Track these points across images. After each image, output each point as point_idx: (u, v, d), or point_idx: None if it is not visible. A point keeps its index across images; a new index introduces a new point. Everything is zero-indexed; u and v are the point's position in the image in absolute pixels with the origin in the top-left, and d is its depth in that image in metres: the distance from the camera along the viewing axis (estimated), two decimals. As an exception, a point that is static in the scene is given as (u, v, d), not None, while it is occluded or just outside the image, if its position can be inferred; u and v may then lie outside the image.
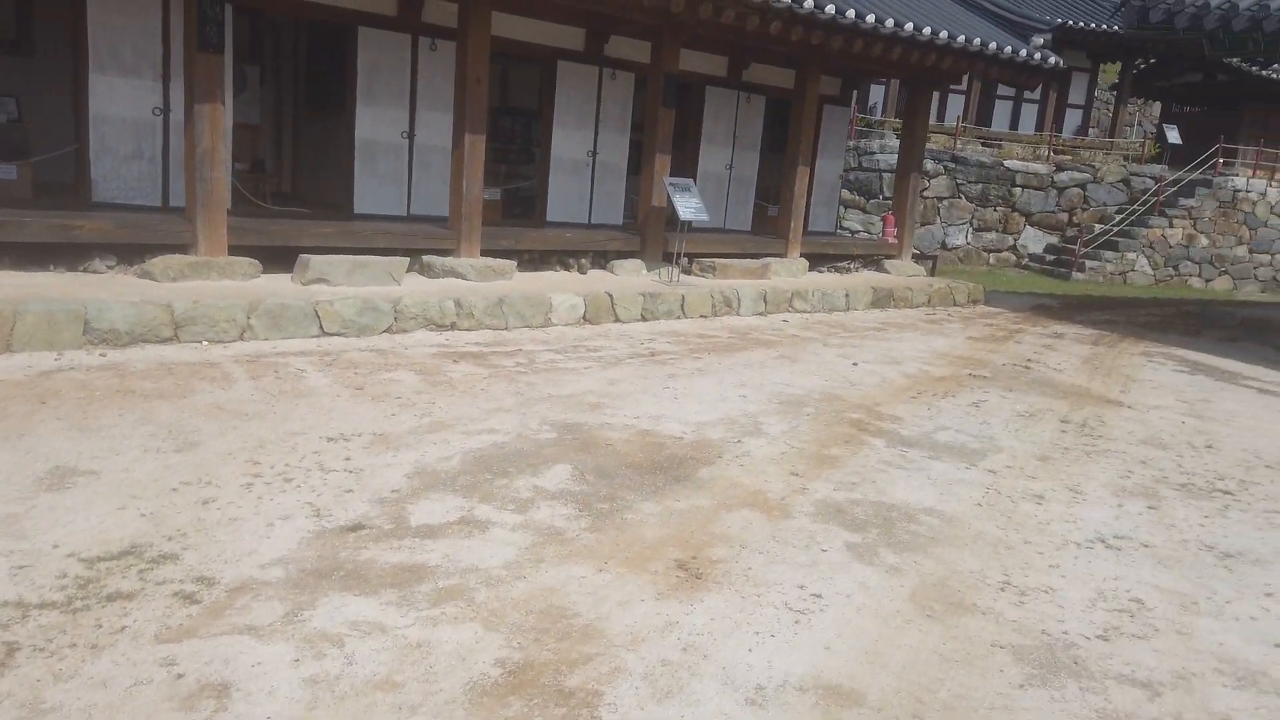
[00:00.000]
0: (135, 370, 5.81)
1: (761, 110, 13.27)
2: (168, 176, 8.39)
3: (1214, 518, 4.87)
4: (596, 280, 9.92)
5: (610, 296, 9.17)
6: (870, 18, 10.43)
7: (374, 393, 5.84)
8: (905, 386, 7.40)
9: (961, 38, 11.44)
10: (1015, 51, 12.26)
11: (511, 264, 9.32)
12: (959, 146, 21.06)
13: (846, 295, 11.51)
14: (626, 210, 11.91)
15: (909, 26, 10.83)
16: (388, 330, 7.67)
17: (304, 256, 7.95)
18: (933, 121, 23.20)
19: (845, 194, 19.95)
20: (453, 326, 8.06)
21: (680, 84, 13.10)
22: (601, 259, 10.68)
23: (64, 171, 8.61)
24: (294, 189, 11.26)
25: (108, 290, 6.80)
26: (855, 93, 15.09)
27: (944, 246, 19.72)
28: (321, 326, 7.31)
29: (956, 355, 9.03)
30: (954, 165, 19.79)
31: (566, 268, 10.35)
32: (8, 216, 6.81)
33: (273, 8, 9.11)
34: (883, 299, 11.97)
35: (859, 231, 18.49)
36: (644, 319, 9.42)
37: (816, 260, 12.96)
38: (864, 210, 19.46)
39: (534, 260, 10.13)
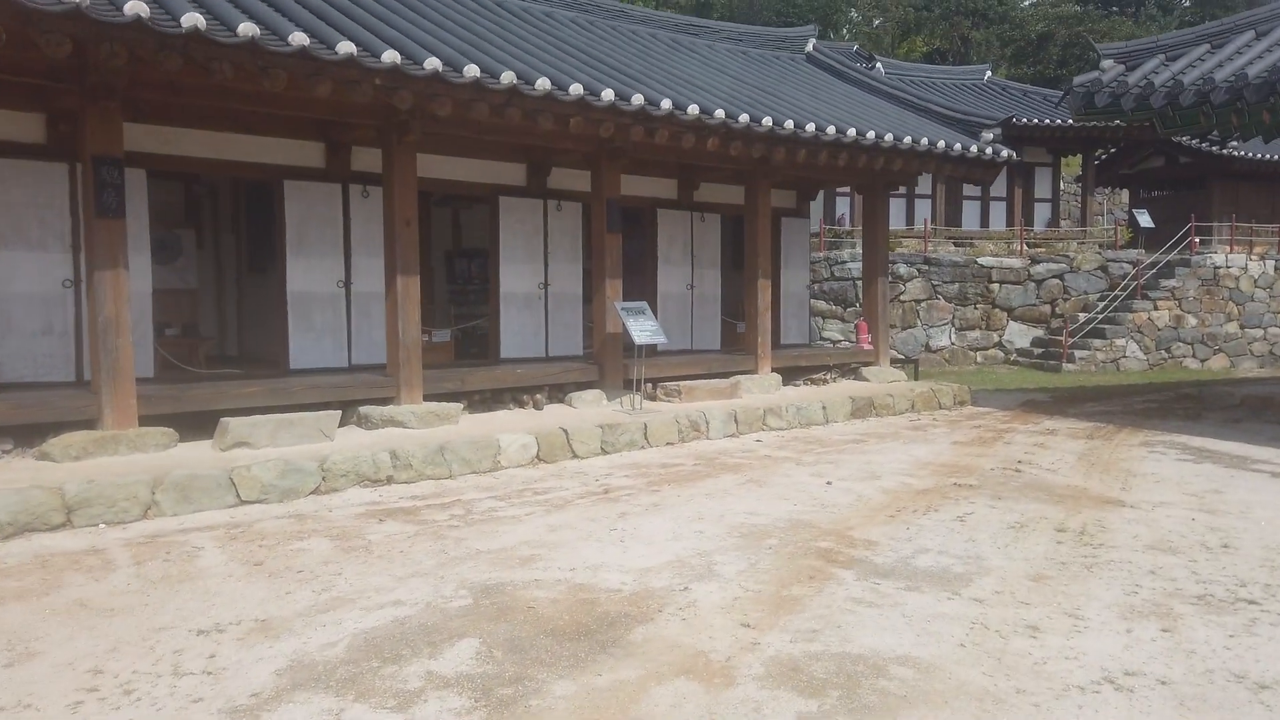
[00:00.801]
0: (7, 565, 5.14)
1: (717, 228, 13.03)
2: (81, 349, 7.92)
3: (1240, 636, 4.12)
4: (552, 416, 9.35)
5: (565, 432, 8.57)
6: (810, 126, 10.25)
7: (274, 568, 5.16)
8: (883, 504, 6.71)
9: (909, 138, 11.27)
10: (966, 148, 12.10)
11: (457, 407, 8.77)
12: (931, 249, 20.95)
13: (824, 408, 10.93)
14: (586, 340, 11.46)
15: (851, 132, 10.66)
16: (315, 491, 7.03)
17: (224, 420, 7.39)
18: (902, 226, 23.39)
19: (822, 304, 19.70)
20: (389, 480, 7.42)
21: (630, 209, 12.91)
22: (559, 393, 10.13)
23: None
24: (239, 351, 10.83)
25: (-6, 477, 6.21)
26: (812, 203, 14.92)
27: (928, 349, 19.31)
28: (238, 495, 6.68)
29: (941, 463, 8.36)
30: (928, 267, 19.60)
31: (521, 405, 9.80)
32: (-115, 406, 6.28)
33: (192, 169, 8.86)
34: (863, 408, 11.38)
35: (840, 341, 18.09)
36: (604, 452, 8.80)
37: (791, 374, 12.44)
38: (842, 319, 19.15)
39: (486, 400, 9.58)
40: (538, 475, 7.85)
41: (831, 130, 10.46)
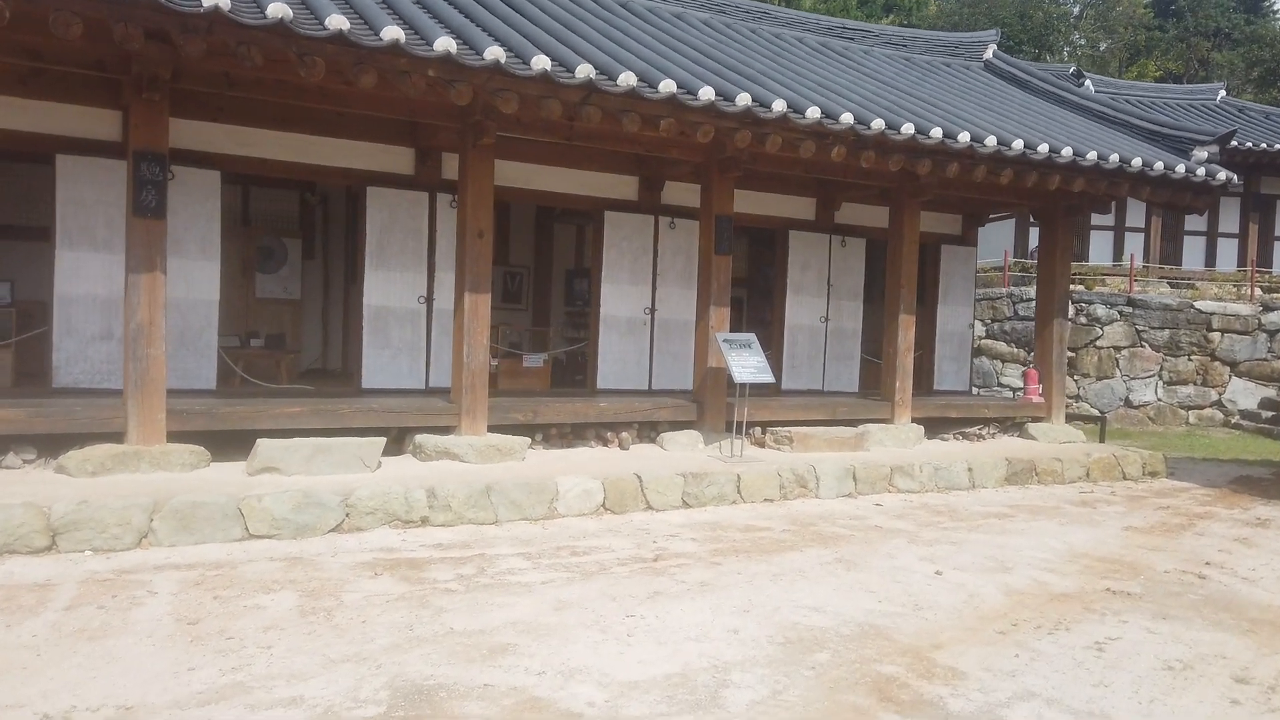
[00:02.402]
0: (-66, 596, 4.61)
1: (861, 254, 11.53)
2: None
3: None
4: (635, 458, 8.24)
5: (639, 479, 7.44)
6: (963, 136, 8.66)
7: (208, 630, 4.34)
8: (998, 612, 5.15)
9: (1092, 154, 9.41)
10: (1170, 167, 10.04)
11: (523, 442, 7.83)
12: (1139, 288, 18.29)
13: (969, 469, 9.20)
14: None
15: (1017, 145, 8.96)
16: (336, 529, 6.26)
17: (259, 442, 6.78)
18: (1107, 262, 20.67)
19: (1001, 346, 17.57)
20: (423, 522, 6.56)
21: (757, 230, 11.68)
22: (651, 431, 9.02)
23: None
24: (336, 366, 10.45)
25: (-6, 490, 5.81)
26: (985, 230, 13.08)
27: (1128, 404, 16.74)
28: (246, 528, 6.00)
29: (1099, 556, 6.58)
30: (1131, 309, 17.03)
31: (605, 443, 8.75)
32: (-99, 407, 6.04)
33: (271, 172, 8.45)
34: (1021, 473, 9.54)
35: (1020, 389, 15.93)
36: (685, 505, 7.59)
37: (937, 426, 10.73)
38: (1025, 364, 16.91)
39: (565, 435, 8.60)
40: (593, 529, 6.76)
41: (991, 142, 8.82)
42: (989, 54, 13.74)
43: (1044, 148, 9.15)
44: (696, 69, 8.18)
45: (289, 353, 9.22)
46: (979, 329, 17.78)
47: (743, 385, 8.53)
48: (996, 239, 21.52)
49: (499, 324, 11.17)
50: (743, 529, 6.96)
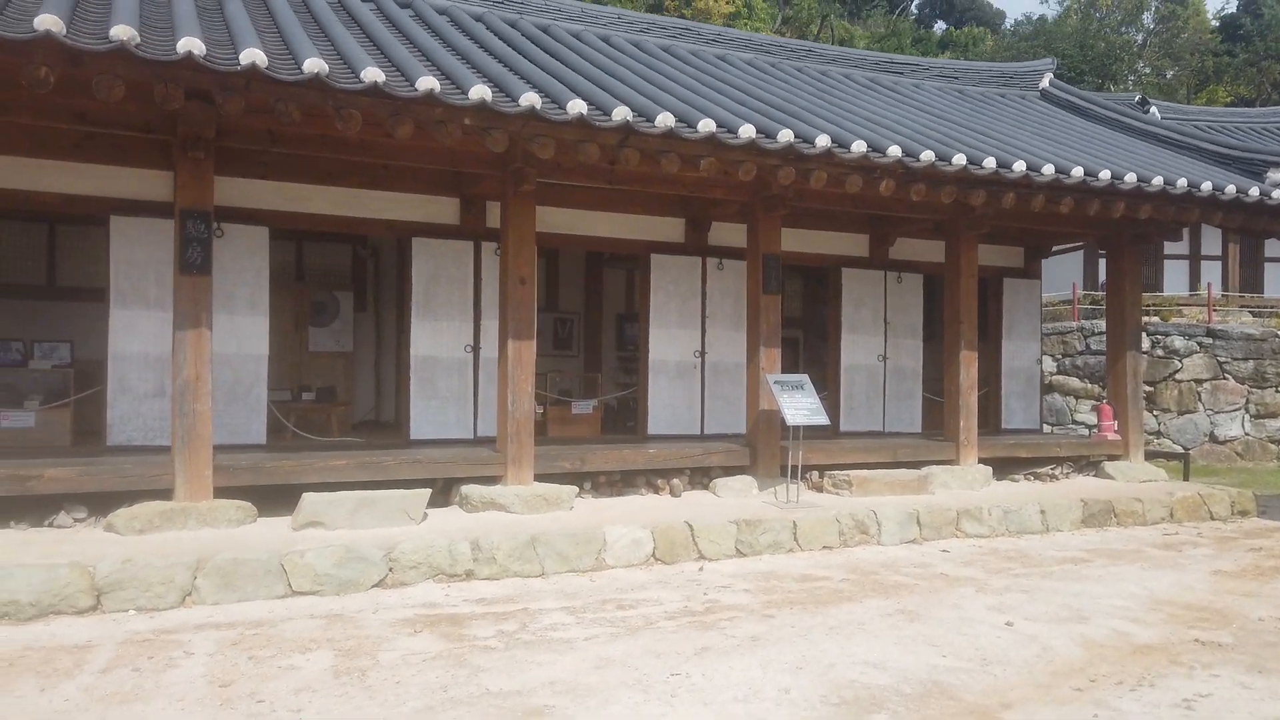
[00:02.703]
0: (-28, 659, 4.58)
1: (919, 290, 11.20)
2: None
3: None
4: (687, 506, 7.99)
5: (690, 527, 7.20)
6: (1019, 165, 8.36)
7: (238, 693, 4.22)
8: (1074, 667, 4.76)
9: (1158, 179, 9.01)
10: (1242, 190, 9.56)
11: (570, 491, 7.66)
12: (1218, 318, 17.52)
13: (1042, 512, 8.74)
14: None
15: (1076, 172, 8.61)
16: (379, 584, 6.14)
17: (304, 496, 6.73)
18: (1183, 292, 19.88)
19: (1074, 382, 16.96)
20: (468, 576, 6.40)
21: (809, 268, 11.48)
22: (704, 477, 8.77)
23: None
24: (379, 416, 10.45)
25: (41, 550, 5.82)
26: (1047, 262, 12.64)
27: (1213, 439, 15.92)
28: (289, 584, 5.92)
29: (1186, 604, 6.11)
30: (1211, 340, 16.28)
31: (656, 491, 8.52)
32: (-42, 468, 6.13)
33: (320, 227, 8.54)
34: (1098, 515, 9.02)
35: (1095, 426, 15.27)
36: (739, 554, 7.31)
37: (1006, 466, 10.26)
38: (1098, 400, 16.23)
39: (615, 483, 8.40)
40: (642, 580, 6.52)
41: (1048, 169, 8.50)
42: (1045, 83, 13.41)
43: (1105, 174, 8.79)
44: (738, 108, 8.06)
45: (340, 405, 9.23)
46: (1049, 365, 17.17)
47: (796, 428, 8.26)
48: (1064, 271, 20.89)
49: (550, 371, 11.10)
50: (799, 579, 6.65)
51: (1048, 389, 16.76)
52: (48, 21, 5.11)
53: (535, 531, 6.74)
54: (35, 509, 6.44)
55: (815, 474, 9.05)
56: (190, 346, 6.58)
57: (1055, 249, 12.32)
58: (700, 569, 6.88)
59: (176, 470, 6.53)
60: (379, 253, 11.40)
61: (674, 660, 4.75)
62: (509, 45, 8.72)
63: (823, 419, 8.26)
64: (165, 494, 6.58)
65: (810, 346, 13.59)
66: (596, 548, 6.82)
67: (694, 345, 9.79)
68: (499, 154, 7.42)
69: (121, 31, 5.31)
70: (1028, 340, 11.96)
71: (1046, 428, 15.77)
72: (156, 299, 7.55)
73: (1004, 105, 12.28)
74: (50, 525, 6.42)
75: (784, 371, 12.84)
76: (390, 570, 6.20)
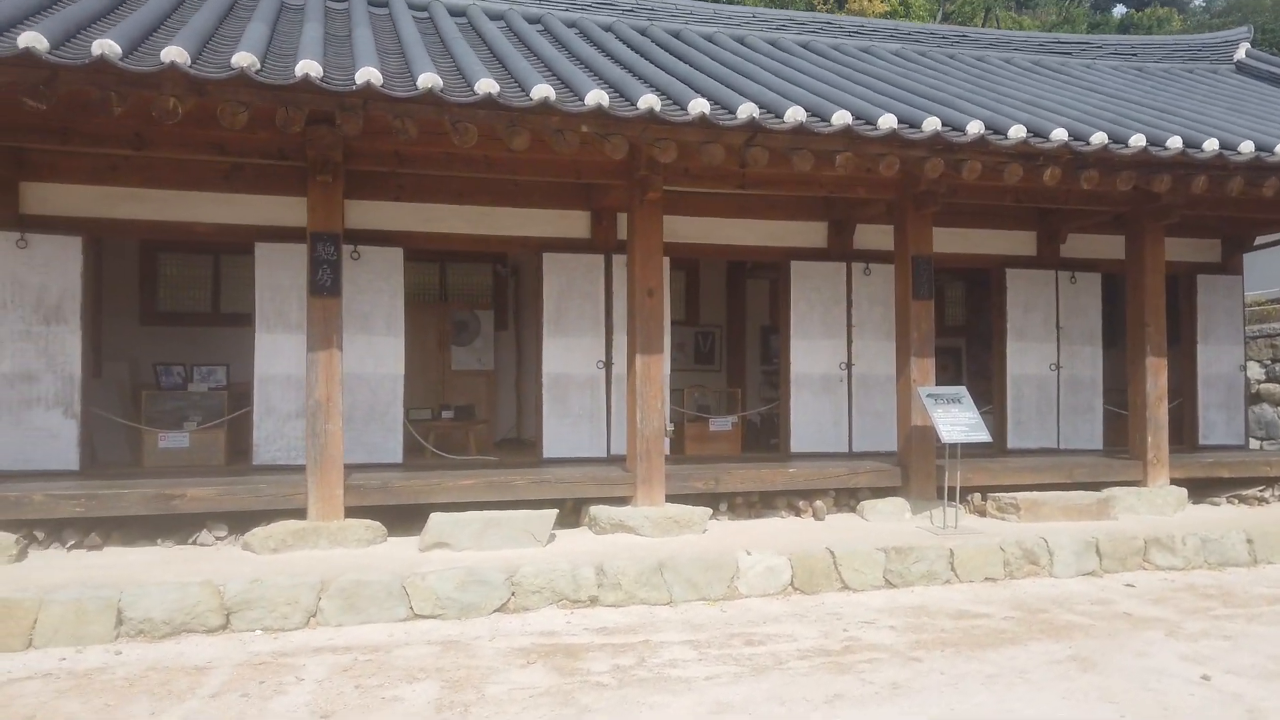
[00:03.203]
0: (102, 680, 4.65)
1: (1096, 291, 10.12)
2: (329, 432, 7.78)
3: None
4: (831, 530, 7.43)
5: (832, 555, 6.64)
6: (1210, 144, 7.34)
7: (335, 725, 4.07)
8: (1293, 737, 3.93)
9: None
10: None
11: (704, 513, 7.25)
12: None
13: (1249, 541, 7.60)
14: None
15: (1283, 147, 7.49)
16: (501, 609, 5.95)
17: (431, 517, 6.65)
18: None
19: (1285, 391, 15.03)
20: (592, 602, 6.12)
21: (968, 270, 10.67)
22: (851, 499, 8.16)
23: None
24: (520, 434, 10.39)
25: (179, 568, 5.97)
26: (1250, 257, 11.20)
27: None
28: (411, 607, 5.81)
29: None
30: None
31: (798, 513, 7.98)
32: (108, 489, 6.39)
33: (451, 245, 8.54)
34: (1319, 544, 7.78)
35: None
36: (888, 584, 6.69)
37: (1203, 488, 9.06)
38: (1317, 410, 14.31)
39: (753, 504, 7.94)
40: (777, 612, 6.03)
41: (1247, 147, 7.42)
42: (1241, 54, 11.95)
43: (1321, 147, 7.59)
44: (878, 98, 7.47)
45: (478, 423, 9.22)
46: (1256, 372, 15.32)
47: (953, 446, 7.53)
48: (1273, 265, 18.72)
49: (691, 386, 10.75)
50: (954, 615, 5.97)
51: (1254, 399, 14.93)
52: (172, 53, 5.23)
53: (663, 557, 6.38)
54: (180, 527, 6.66)
55: (977, 497, 8.26)
56: (321, 367, 6.64)
57: (1258, 242, 10.89)
58: (843, 601, 6.31)
59: (309, 490, 6.60)
60: (519, 271, 11.42)
61: (800, 709, 4.26)
62: (637, 52, 8.48)
63: (984, 435, 7.50)
64: (299, 513, 6.66)
65: (974, 356, 12.61)
66: (728, 575, 6.38)
67: (840, 356, 9.19)
68: (623, 162, 7.17)
69: (242, 59, 5.38)
70: (1229, 344, 10.60)
71: (1254, 443, 14.03)
72: (298, 322, 7.72)
73: (1191, 81, 11.00)
74: (193, 543, 6.62)
75: (942, 383, 12.01)
76: (512, 595, 6.00)
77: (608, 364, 8.53)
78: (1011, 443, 9.69)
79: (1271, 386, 15.26)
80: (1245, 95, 10.41)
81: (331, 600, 5.68)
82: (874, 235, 9.22)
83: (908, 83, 8.35)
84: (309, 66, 5.50)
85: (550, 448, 8.38)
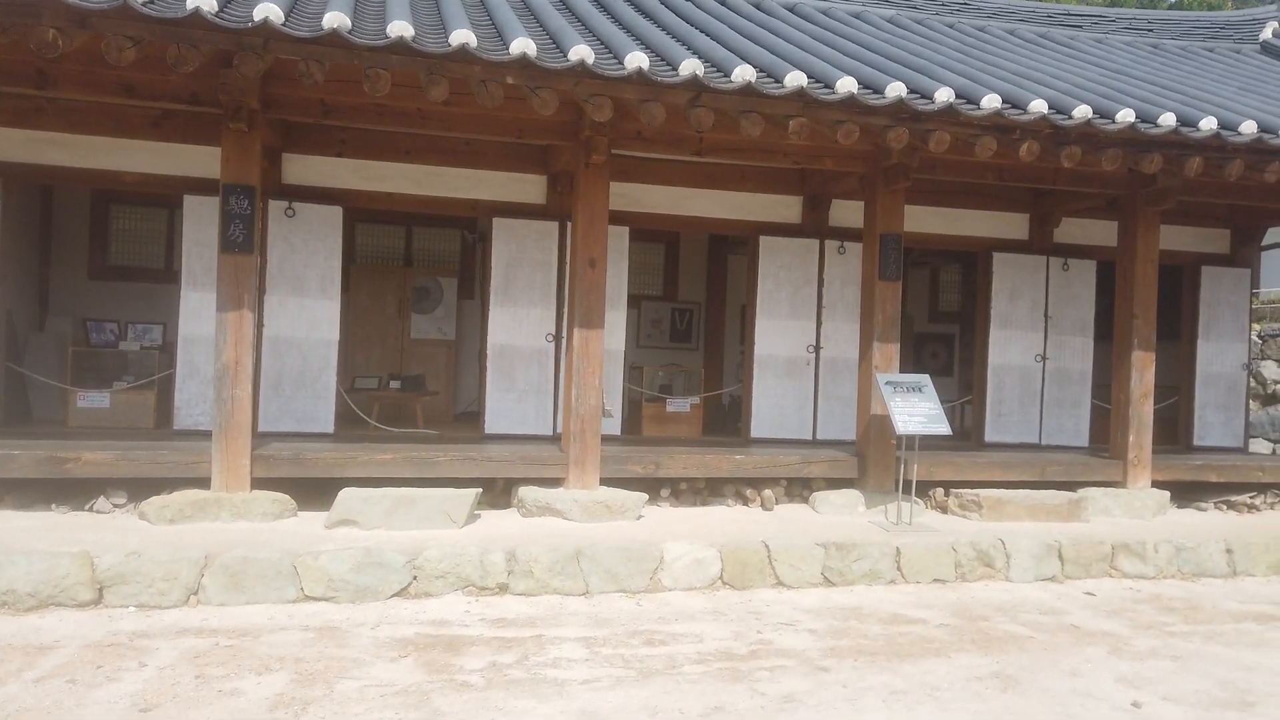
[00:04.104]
0: (-67, 651, 4.33)
1: (1090, 279, 9.53)
2: (258, 398, 7.44)
3: None
4: (776, 522, 6.98)
5: (767, 549, 6.20)
6: (1208, 123, 6.74)
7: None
8: (1215, 785, 3.46)
9: None
10: None
11: (637, 499, 6.83)
12: None
13: (1228, 551, 7.06)
14: (875, 422, 8.81)
15: (1289, 126, 6.87)
16: (400, 594, 5.57)
17: (340, 492, 6.28)
18: None
19: (1303, 392, 14.29)
20: (501, 590, 5.73)
21: (954, 252, 10.15)
22: (804, 490, 7.70)
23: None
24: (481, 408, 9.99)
25: (63, 536, 5.63)
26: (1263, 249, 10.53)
27: None
28: (302, 589, 5.45)
29: None
30: None
31: (746, 502, 7.54)
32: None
33: (392, 206, 8.11)
34: (1307, 558, 7.22)
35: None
36: (826, 583, 6.25)
37: (1191, 492, 8.50)
38: (1334, 414, 13.59)
39: (700, 491, 7.50)
40: (698, 608, 5.61)
41: (1249, 128, 6.81)
42: (1268, 34, 11.21)
43: (1330, 129, 6.97)
44: (848, 61, 6.92)
45: (426, 395, 8.83)
46: (1275, 371, 14.61)
47: (916, 437, 7.04)
48: (1295, 263, 17.88)
49: (664, 364, 10.30)
50: (886, 620, 5.52)
51: (1268, 399, 14.25)
52: (48, -20, 4.82)
53: (582, 544, 5.96)
54: (79, 493, 6.35)
55: (940, 492, 7.77)
56: (231, 329, 6.27)
57: (1268, 240, 10.23)
58: (772, 600, 5.88)
59: (213, 458, 6.24)
60: (488, 238, 10.98)
61: (671, 722, 3.84)
62: (599, 6, 7.97)
63: (943, 428, 6.99)
64: (205, 483, 6.31)
65: (967, 344, 12.05)
66: (651, 566, 5.96)
67: (808, 339, 8.70)
68: (568, 122, 6.73)
69: (127, -10, 4.96)
70: (1231, 341, 9.97)
71: (1267, 445, 13.36)
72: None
73: (1210, 60, 10.30)
74: (89, 510, 6.30)
75: (933, 372, 11.47)
76: (414, 579, 5.62)
77: (558, 337, 8.10)
78: (990, 436, 9.18)
79: (1289, 388, 14.55)
80: (1265, 76, 9.71)
81: (215, 578, 5.33)
82: (850, 212, 8.69)
83: (890, 49, 7.77)
84: (202, 0, 5.08)
85: (493, 423, 7.99)
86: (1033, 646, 5.08)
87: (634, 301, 11.40)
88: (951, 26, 9.90)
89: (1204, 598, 6.37)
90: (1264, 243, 17.69)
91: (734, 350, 11.52)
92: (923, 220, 8.99)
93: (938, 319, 12.33)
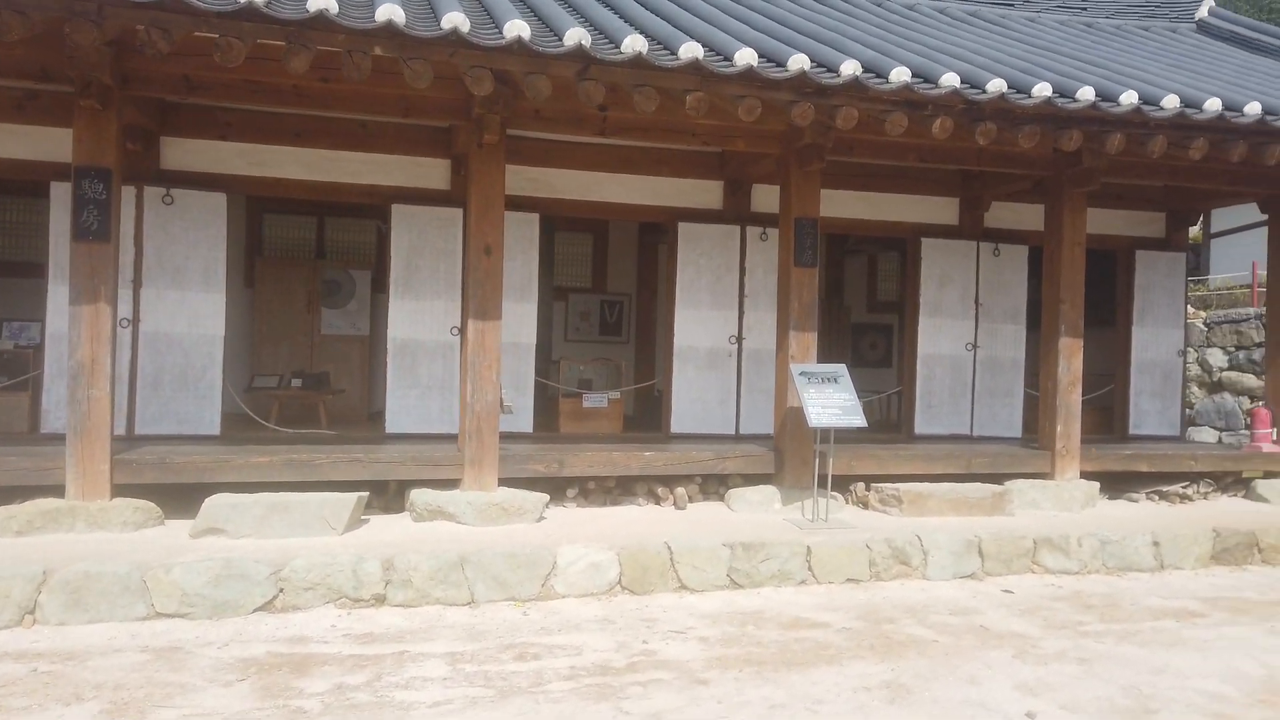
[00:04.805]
0: None
1: (1022, 265, 9.27)
2: (133, 398, 6.97)
3: None
4: (687, 521, 6.63)
5: (669, 550, 5.84)
6: (1128, 97, 6.46)
7: (-77, 760, 3.27)
8: (1100, 809, 3.13)
9: (1334, 110, 6.84)
10: None
11: (537, 500, 6.44)
12: None
13: (1155, 544, 6.81)
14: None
15: (1212, 105, 6.62)
16: (264, 608, 5.15)
17: (207, 500, 5.82)
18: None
19: (1250, 380, 14.16)
20: (378, 601, 5.32)
21: (882, 239, 9.88)
22: (720, 487, 7.35)
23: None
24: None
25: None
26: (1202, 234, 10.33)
27: None
28: (153, 605, 5.00)
29: (1324, 697, 4.25)
30: None
31: (658, 501, 7.18)
32: None
33: (283, 193, 7.64)
34: (1235, 549, 6.98)
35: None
36: (733, 585, 5.90)
37: (1123, 482, 8.26)
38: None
39: (610, 490, 7.13)
40: (587, 616, 5.23)
41: (1171, 102, 6.55)
42: (1203, 12, 11.02)
43: (1255, 107, 6.72)
44: (752, 34, 6.55)
45: (329, 393, 8.37)
46: (1220, 359, 14.50)
47: (831, 430, 6.72)
48: (1245, 249, 17.82)
49: (598, 359, 9.92)
50: (786, 625, 5.18)
51: (1215, 387, 14.15)
52: None
53: (468, 550, 5.56)
54: (-78, 502, 5.84)
55: (862, 487, 7.45)
56: (86, 324, 5.79)
57: (1217, 223, 10.02)
58: (671, 605, 5.52)
59: (68, 464, 5.77)
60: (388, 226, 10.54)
61: (513, 751, 3.46)
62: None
63: (858, 420, 6.67)
64: (61, 490, 5.83)
65: (879, 331, 11.84)
66: (543, 572, 5.58)
67: (730, 329, 8.35)
68: (460, 100, 6.34)
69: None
70: (1167, 327, 9.77)
71: (1212, 434, 13.22)
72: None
73: (1143, 38, 10.09)
74: (-67, 520, 5.79)
75: (873, 363, 11.20)
76: (280, 591, 5.19)
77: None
78: (921, 428, 8.89)
79: (1234, 375, 14.41)
80: (1199, 54, 9.50)
81: (53, 595, 4.87)
82: (773, 197, 8.26)
83: (804, 24, 7.42)
84: (25, -38, 4.62)
85: (395, 422, 7.57)
86: (934, 651, 4.75)
87: (561, 294, 11.03)
88: (878, 4, 9.59)
89: (1126, 594, 6.10)
90: (1212, 230, 17.66)
91: (666, 342, 11.16)
92: (848, 205, 8.69)
93: (876, 308, 12.06)
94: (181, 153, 7.17)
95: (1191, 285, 16.47)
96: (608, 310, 11.05)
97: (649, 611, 5.38)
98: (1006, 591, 6.06)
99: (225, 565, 5.13)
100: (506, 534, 6.09)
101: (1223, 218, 15.89)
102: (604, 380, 9.22)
